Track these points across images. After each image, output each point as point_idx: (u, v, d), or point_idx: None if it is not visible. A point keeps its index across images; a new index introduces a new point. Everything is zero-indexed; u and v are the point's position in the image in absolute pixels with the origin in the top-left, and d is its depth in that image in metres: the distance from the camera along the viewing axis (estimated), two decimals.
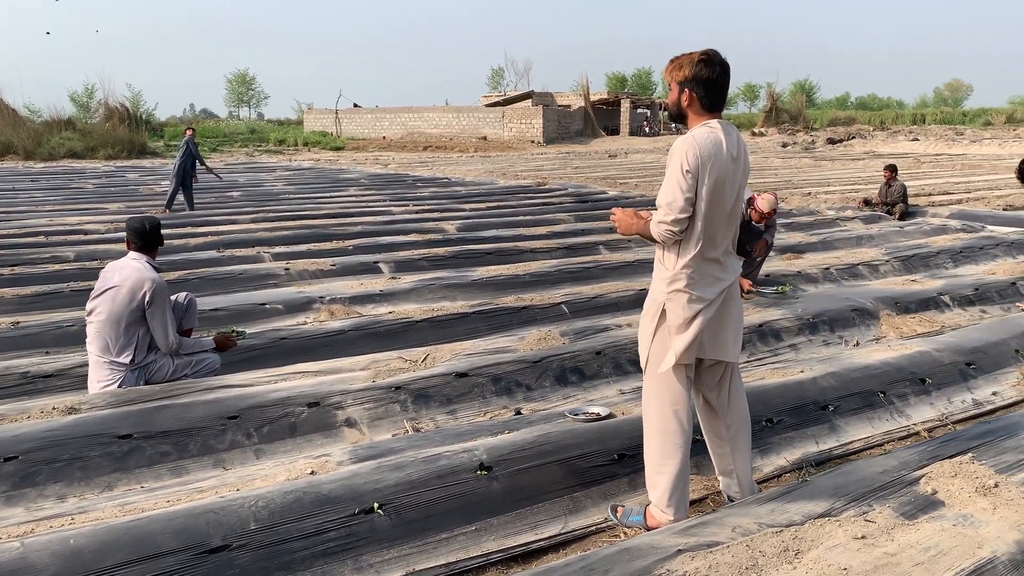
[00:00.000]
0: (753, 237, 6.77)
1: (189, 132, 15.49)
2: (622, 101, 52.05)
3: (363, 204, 15.27)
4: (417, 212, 13.72)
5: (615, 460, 3.62)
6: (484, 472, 3.35)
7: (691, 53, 3.11)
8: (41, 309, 6.70)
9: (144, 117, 39.66)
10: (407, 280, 7.63)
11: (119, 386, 4.57)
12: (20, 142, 31.79)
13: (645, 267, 8.37)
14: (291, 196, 17.04)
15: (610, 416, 3.97)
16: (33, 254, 9.18)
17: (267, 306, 6.61)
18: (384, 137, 46.55)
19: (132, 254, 4.77)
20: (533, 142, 43.22)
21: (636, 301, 6.77)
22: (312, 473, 3.26)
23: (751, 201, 6.72)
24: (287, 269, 8.13)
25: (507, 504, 3.29)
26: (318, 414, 4.22)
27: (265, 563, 2.80)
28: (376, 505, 3.07)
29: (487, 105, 50.27)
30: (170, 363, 4.75)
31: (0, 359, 5.27)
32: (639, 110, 54.32)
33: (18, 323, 5.99)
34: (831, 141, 43.26)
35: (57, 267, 8.46)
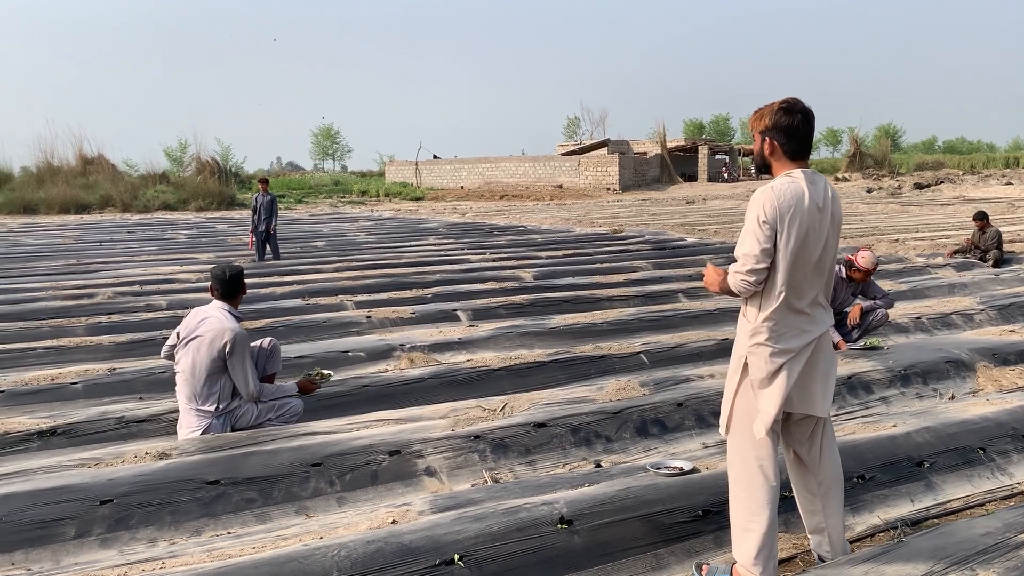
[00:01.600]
0: (842, 295, 6.59)
1: (262, 186, 15.70)
2: (700, 147, 51.83)
3: (442, 253, 15.50)
4: (494, 260, 13.85)
5: (700, 516, 3.52)
6: (565, 526, 3.30)
7: (772, 103, 3.09)
8: (136, 356, 6.96)
9: (233, 170, 41.32)
10: (485, 328, 7.68)
11: (205, 432, 4.70)
12: (118, 195, 33.45)
13: (727, 316, 8.23)
14: (373, 245, 17.42)
15: (694, 471, 3.88)
16: (129, 303, 9.57)
17: (350, 353, 6.73)
18: (462, 187, 47.32)
19: (215, 302, 4.94)
20: (609, 189, 43.29)
21: (719, 351, 6.65)
22: (393, 522, 3.28)
23: (850, 262, 6.53)
24: (369, 317, 8.28)
25: (588, 559, 3.23)
26: (399, 462, 4.25)
27: None
28: (457, 557, 3.06)
29: (563, 154, 50.66)
30: (253, 409, 4.87)
31: (97, 404, 5.49)
32: (717, 156, 53.95)
33: (114, 369, 6.24)
34: (919, 186, 42.03)
35: (151, 315, 8.80)
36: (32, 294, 10.34)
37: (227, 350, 4.69)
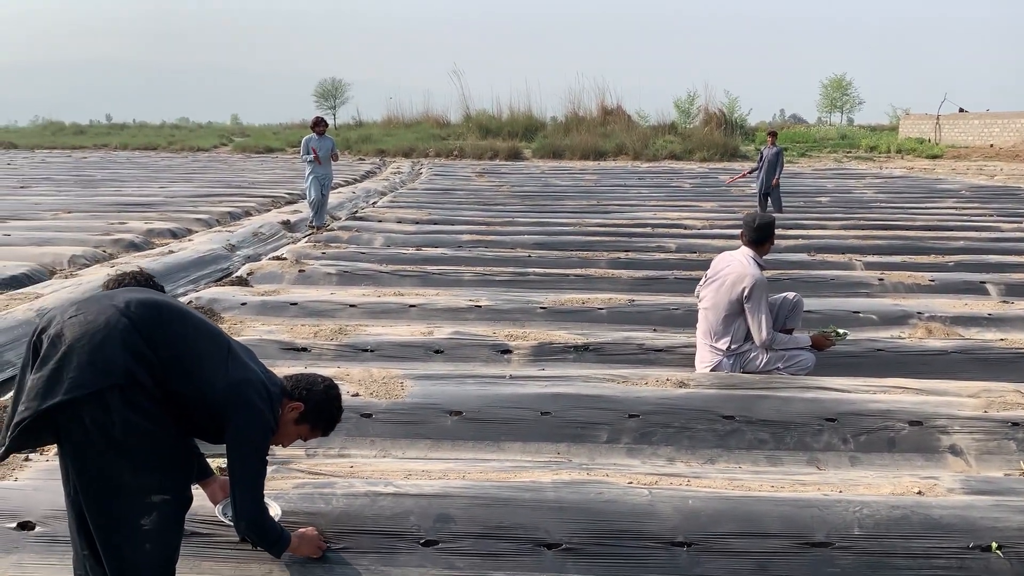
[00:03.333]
0: None
1: (770, 138, 15.52)
2: None
3: (964, 218, 13.85)
4: None
5: None
6: None
7: None
8: (650, 291, 7.50)
9: (738, 122, 41.58)
10: (1022, 307, 6.74)
11: (716, 368, 4.94)
12: (631, 144, 36.02)
13: None
14: (882, 204, 16.27)
15: None
16: (642, 243, 10.34)
17: (860, 315, 6.46)
18: (991, 145, 41.47)
19: (743, 248, 5.09)
20: None
21: None
22: (919, 493, 3.11)
23: None
24: (881, 279, 7.82)
25: None
26: (920, 434, 4.00)
27: (866, 571, 2.78)
28: (995, 545, 2.80)
29: None
30: (763, 355, 4.96)
31: (619, 329, 6.07)
32: None
33: (633, 301, 6.83)
34: None
35: (662, 256, 9.41)
36: (562, 228, 11.74)
37: (745, 294, 4.83)
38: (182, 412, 2.54)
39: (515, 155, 34.80)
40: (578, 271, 8.25)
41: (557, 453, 4.04)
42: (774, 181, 14.83)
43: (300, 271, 7.94)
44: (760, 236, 5.03)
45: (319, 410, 2.74)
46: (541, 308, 6.59)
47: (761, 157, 15.06)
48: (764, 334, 4.88)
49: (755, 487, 3.18)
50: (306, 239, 10.68)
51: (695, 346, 5.27)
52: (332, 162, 12.47)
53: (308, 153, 12.13)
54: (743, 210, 14.80)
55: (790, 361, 4.97)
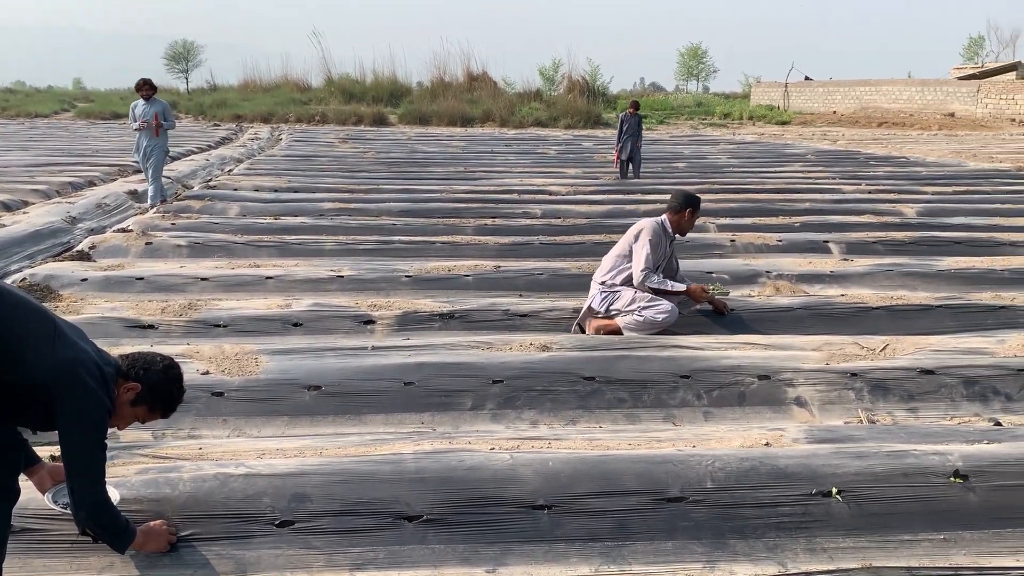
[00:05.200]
0: None
1: (632, 108, 15.86)
2: None
3: (810, 180, 14.64)
4: (870, 192, 12.79)
5: None
6: (959, 480, 3.03)
7: None
8: (516, 257, 7.52)
9: (600, 89, 42.29)
10: (860, 263, 7.18)
11: (593, 302, 5.28)
12: (498, 111, 36.01)
13: None
14: (735, 169, 16.97)
15: None
16: (508, 209, 10.35)
17: (713, 275, 6.68)
18: (834, 112, 44.00)
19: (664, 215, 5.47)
20: (1015, 121, 37.49)
21: None
22: (767, 444, 3.25)
23: None
24: (732, 241, 8.15)
25: (983, 520, 2.95)
26: (768, 388, 4.19)
27: (718, 523, 2.87)
28: (835, 490, 2.96)
29: (959, 78, 44.72)
30: (630, 293, 5.20)
31: (486, 296, 6.05)
32: None
33: (499, 267, 6.83)
34: None
35: (528, 222, 9.45)
36: (428, 195, 11.61)
37: (635, 234, 5.23)
38: (3, 398, 2.32)
39: (380, 121, 34.12)
40: (444, 238, 8.19)
41: (421, 423, 3.98)
42: (637, 146, 15.17)
43: (147, 244, 7.49)
44: (676, 204, 5.37)
45: (157, 391, 2.56)
46: (406, 276, 6.48)
47: (622, 125, 15.31)
48: (639, 272, 5.16)
49: (613, 446, 3.24)
50: (154, 210, 10.10)
51: (559, 310, 5.37)
52: (166, 129, 10.86)
53: (135, 121, 10.76)
54: (606, 176, 15.10)
55: (651, 303, 5.14)
